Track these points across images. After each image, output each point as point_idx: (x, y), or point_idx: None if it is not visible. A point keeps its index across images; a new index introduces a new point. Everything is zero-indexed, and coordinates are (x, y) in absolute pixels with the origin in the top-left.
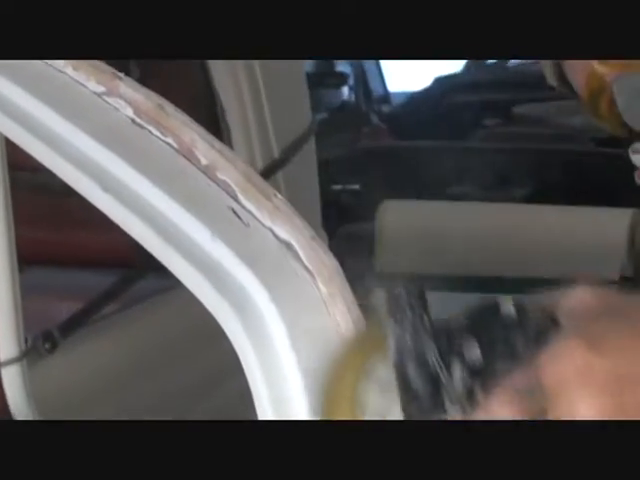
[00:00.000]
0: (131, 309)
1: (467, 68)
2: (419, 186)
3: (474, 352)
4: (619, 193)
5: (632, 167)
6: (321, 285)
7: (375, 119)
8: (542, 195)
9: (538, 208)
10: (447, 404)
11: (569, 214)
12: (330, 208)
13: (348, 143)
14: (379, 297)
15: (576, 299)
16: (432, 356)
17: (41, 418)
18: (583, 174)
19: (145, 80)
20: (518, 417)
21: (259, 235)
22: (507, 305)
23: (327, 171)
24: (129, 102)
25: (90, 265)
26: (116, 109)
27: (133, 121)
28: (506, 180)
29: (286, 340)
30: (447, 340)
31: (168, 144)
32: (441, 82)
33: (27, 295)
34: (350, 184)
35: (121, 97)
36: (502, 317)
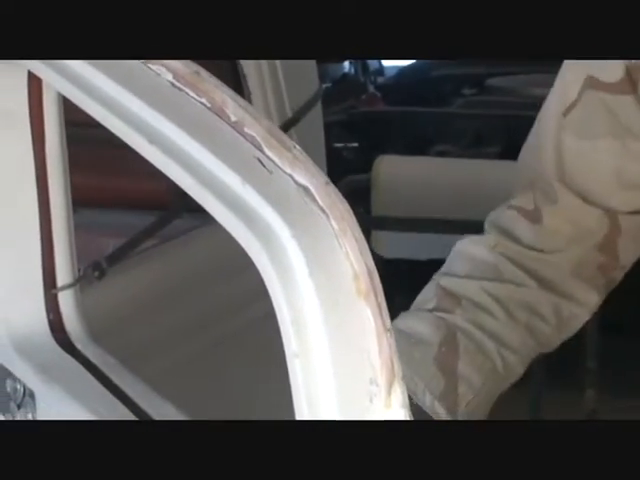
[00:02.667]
0: (166, 244)
1: None
2: (408, 144)
3: None
4: None
5: None
6: (334, 222)
7: (371, 88)
8: (511, 153)
9: (507, 163)
10: None
11: None
12: (333, 162)
13: (348, 108)
14: None
15: None
16: None
17: (91, 335)
18: None
19: None
20: None
21: (281, 181)
22: None
23: (331, 131)
24: (169, 69)
25: (132, 207)
26: (158, 74)
27: (172, 84)
28: (481, 140)
29: (305, 268)
30: None
31: (202, 104)
32: None
33: (79, 232)
34: (350, 142)
35: (163, 65)
36: None
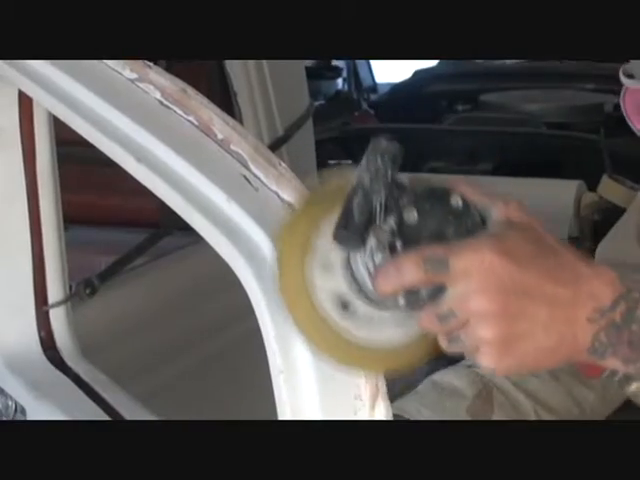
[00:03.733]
0: (157, 261)
1: (441, 62)
2: (402, 161)
3: (411, 216)
4: (567, 168)
5: (579, 147)
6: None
7: (364, 105)
8: (503, 169)
9: (500, 180)
10: (371, 240)
11: (525, 184)
12: None
13: (342, 125)
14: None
15: (509, 209)
16: (377, 200)
17: (82, 351)
18: (537, 152)
19: (170, 69)
20: (417, 281)
21: (266, 197)
22: (456, 198)
23: (324, 148)
24: (157, 87)
25: (123, 225)
26: (146, 92)
27: (161, 102)
28: (474, 156)
29: None
30: (396, 196)
31: (190, 121)
32: (419, 74)
33: (71, 250)
34: (343, 159)
35: (151, 82)
36: (448, 204)
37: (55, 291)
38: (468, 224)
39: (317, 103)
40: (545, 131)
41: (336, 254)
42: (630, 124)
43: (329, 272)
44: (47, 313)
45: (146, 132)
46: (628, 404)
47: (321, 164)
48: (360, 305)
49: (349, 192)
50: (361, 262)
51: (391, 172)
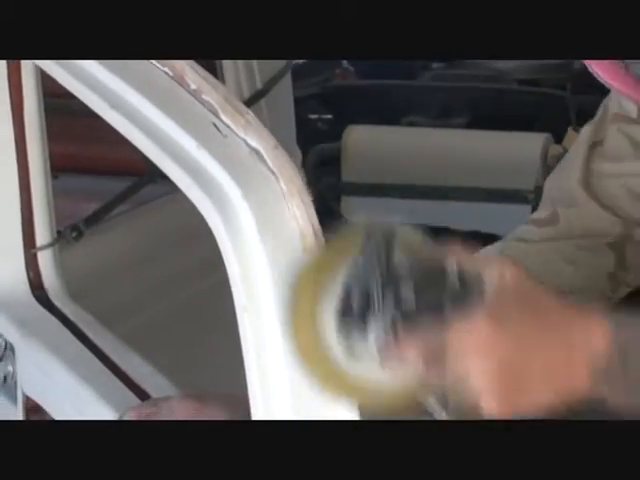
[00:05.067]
0: (140, 208)
1: None
2: (380, 116)
3: (409, 297)
4: (535, 122)
5: (547, 102)
6: (282, 184)
7: (345, 63)
8: (476, 123)
9: (473, 133)
10: (372, 326)
11: (496, 137)
12: (308, 132)
13: (323, 82)
14: (361, 221)
15: (504, 271)
16: (375, 286)
17: (69, 292)
18: (508, 107)
19: None
20: (420, 361)
21: (234, 144)
22: (452, 269)
23: (306, 104)
24: None
25: (108, 173)
26: None
27: None
28: (448, 111)
29: (254, 227)
30: (392, 280)
31: (164, 72)
32: None
33: (58, 197)
34: (324, 114)
35: None
36: (444, 280)
37: (43, 235)
38: (463, 299)
39: (300, 61)
40: (515, 87)
41: (339, 340)
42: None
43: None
44: (35, 255)
45: (121, 80)
46: None
47: (303, 119)
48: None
49: (345, 278)
50: (364, 349)
51: (386, 257)
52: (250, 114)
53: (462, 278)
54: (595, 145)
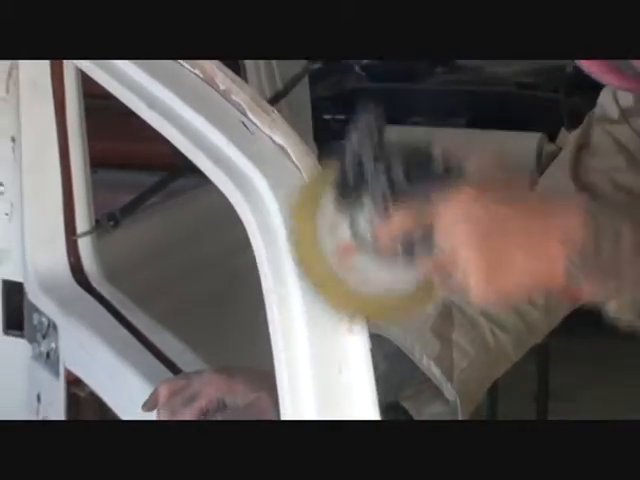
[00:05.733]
0: (172, 199)
1: None
2: (388, 116)
3: (399, 173)
4: (531, 122)
5: (542, 104)
6: (305, 177)
7: (357, 68)
8: (476, 123)
9: (473, 132)
10: (366, 196)
11: (494, 136)
12: (323, 131)
13: (337, 85)
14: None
15: (483, 163)
16: (368, 160)
17: (106, 276)
18: (506, 108)
19: None
20: (406, 227)
21: (261, 141)
22: (437, 153)
23: (321, 105)
24: None
25: (143, 168)
26: None
27: None
28: (450, 112)
29: (279, 215)
30: (383, 156)
31: (195, 74)
32: None
33: (97, 189)
34: (338, 114)
35: None
36: (430, 160)
37: (83, 223)
38: (449, 178)
39: (316, 66)
40: (512, 90)
41: (340, 216)
42: (603, 80)
43: (336, 232)
44: (76, 242)
45: (157, 82)
46: (567, 320)
47: (318, 119)
48: (365, 259)
49: (341, 156)
50: (362, 219)
51: (377, 137)
52: (275, 113)
53: (446, 162)
54: (581, 147)
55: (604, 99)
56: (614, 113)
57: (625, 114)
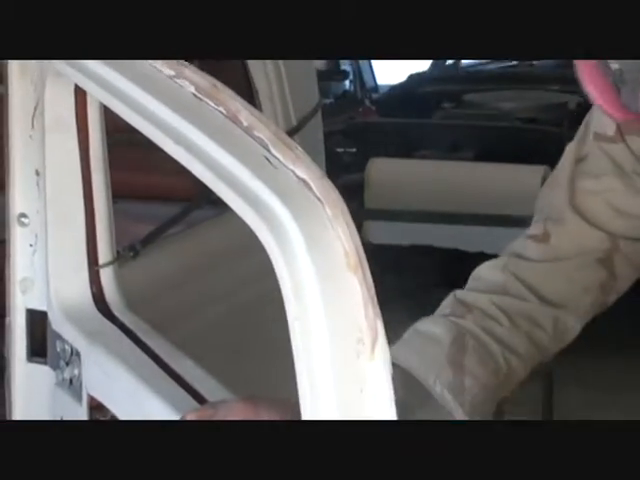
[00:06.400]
0: (189, 230)
1: (431, 67)
2: (397, 149)
3: None
4: (535, 155)
5: (545, 137)
6: (327, 209)
7: (367, 103)
8: (482, 156)
9: (479, 165)
10: None
11: (500, 169)
12: (335, 164)
13: (348, 119)
14: None
15: None
16: None
17: (127, 304)
18: (510, 142)
19: (203, 67)
20: None
21: (284, 175)
22: None
23: (333, 139)
24: (192, 82)
25: (162, 199)
26: (182, 87)
27: (195, 95)
28: (457, 146)
29: (303, 246)
30: None
31: (219, 111)
32: (413, 78)
33: (118, 220)
34: (349, 148)
35: (186, 79)
36: None
37: (105, 254)
38: None
39: (328, 101)
40: (517, 125)
41: None
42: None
43: None
44: (98, 272)
45: (183, 120)
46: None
47: (331, 152)
48: None
49: None
50: None
51: None
52: (299, 148)
53: None
54: (578, 161)
55: (600, 111)
56: (610, 129)
57: (622, 131)
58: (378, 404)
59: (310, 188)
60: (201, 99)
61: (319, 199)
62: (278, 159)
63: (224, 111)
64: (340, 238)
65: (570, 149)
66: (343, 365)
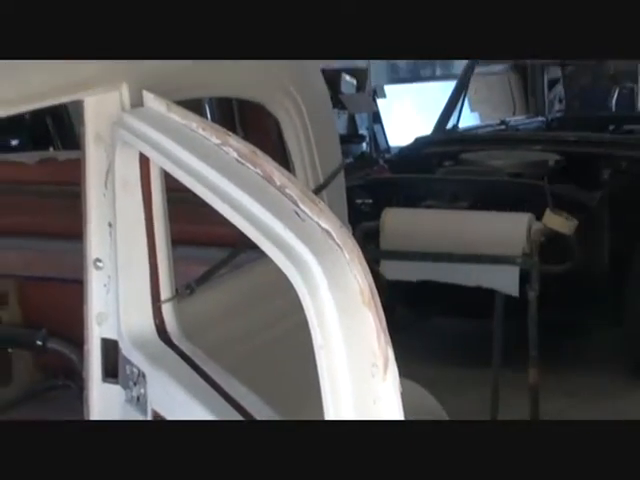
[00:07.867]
0: (236, 270)
1: (434, 133)
2: (406, 200)
3: None
4: (521, 205)
5: (529, 190)
6: (346, 254)
7: (381, 162)
8: (477, 206)
9: (474, 213)
10: None
11: (491, 216)
12: (355, 213)
13: (365, 176)
14: None
15: None
16: None
17: (185, 334)
18: (500, 194)
19: (245, 136)
20: None
21: (310, 226)
22: None
23: (353, 192)
24: (235, 149)
25: (213, 245)
26: (227, 153)
27: (237, 160)
28: (456, 197)
29: (326, 285)
30: None
31: (257, 173)
32: (419, 140)
33: (176, 262)
34: (367, 199)
35: (230, 146)
36: None
37: (166, 291)
38: None
39: (348, 161)
40: (506, 179)
41: None
42: None
43: None
44: (160, 307)
45: (227, 181)
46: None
47: (351, 203)
48: None
49: None
50: None
51: None
52: (322, 203)
53: None
54: None
55: None
56: None
57: None
58: (388, 413)
59: (332, 237)
60: (242, 163)
61: (339, 246)
62: (305, 212)
63: (261, 172)
64: (356, 278)
65: None
66: (360, 384)
